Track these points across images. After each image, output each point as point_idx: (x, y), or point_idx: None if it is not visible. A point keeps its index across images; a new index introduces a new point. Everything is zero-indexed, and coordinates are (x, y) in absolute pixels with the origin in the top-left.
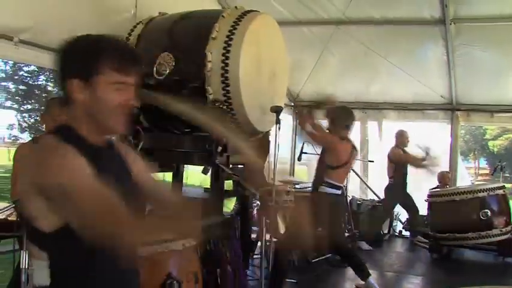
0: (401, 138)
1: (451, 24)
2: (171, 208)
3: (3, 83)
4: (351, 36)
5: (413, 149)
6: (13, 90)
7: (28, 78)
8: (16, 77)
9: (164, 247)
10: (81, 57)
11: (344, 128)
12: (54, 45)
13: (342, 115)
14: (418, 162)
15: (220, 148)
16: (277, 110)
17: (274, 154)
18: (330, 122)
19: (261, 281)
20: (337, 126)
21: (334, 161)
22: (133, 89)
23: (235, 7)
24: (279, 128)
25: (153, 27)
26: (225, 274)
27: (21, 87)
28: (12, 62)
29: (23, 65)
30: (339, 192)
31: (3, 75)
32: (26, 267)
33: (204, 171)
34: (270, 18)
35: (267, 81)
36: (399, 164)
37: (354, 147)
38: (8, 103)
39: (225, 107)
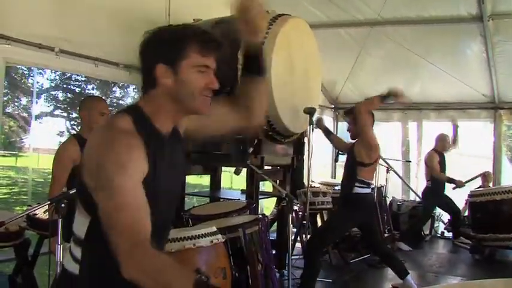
0: (442, 142)
1: (489, 20)
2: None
3: (52, 92)
4: (387, 37)
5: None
6: (61, 98)
7: (75, 87)
8: (64, 86)
9: (192, 243)
10: (168, 43)
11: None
12: (92, 54)
13: (372, 117)
14: (444, 179)
15: (251, 149)
16: (310, 112)
17: (309, 155)
18: (353, 123)
19: (288, 281)
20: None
21: (367, 157)
22: (213, 74)
23: (267, 11)
24: (313, 129)
25: None
26: (255, 272)
27: (69, 95)
28: (60, 72)
29: (70, 74)
30: (370, 190)
31: (53, 84)
32: (61, 260)
33: (236, 172)
34: (301, 21)
35: (300, 83)
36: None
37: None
38: (57, 111)
39: None
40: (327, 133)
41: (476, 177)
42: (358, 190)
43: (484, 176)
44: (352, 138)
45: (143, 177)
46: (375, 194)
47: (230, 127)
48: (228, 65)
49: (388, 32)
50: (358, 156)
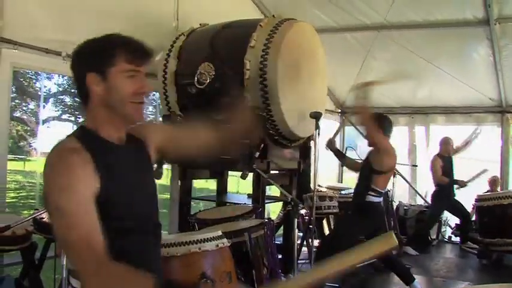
0: (446, 146)
1: (495, 24)
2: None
3: (60, 96)
4: (394, 41)
5: (460, 161)
6: (69, 103)
7: None
8: (72, 91)
9: (197, 247)
10: (96, 52)
11: (385, 135)
12: None
13: (383, 123)
14: (445, 183)
15: (258, 153)
16: (316, 116)
17: (315, 159)
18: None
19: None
20: (379, 133)
21: (385, 165)
22: (145, 78)
23: (273, 16)
24: (319, 134)
25: (194, 38)
26: (260, 276)
27: (76, 100)
28: (68, 77)
29: None
30: (381, 199)
31: (60, 89)
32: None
33: (243, 176)
34: (307, 26)
35: (306, 87)
36: (443, 169)
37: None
38: (65, 116)
39: (264, 113)
40: (339, 155)
41: (478, 174)
42: (371, 199)
43: (494, 180)
44: (369, 146)
45: (94, 190)
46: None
47: (205, 147)
48: (232, 70)
49: (394, 36)
50: (374, 163)
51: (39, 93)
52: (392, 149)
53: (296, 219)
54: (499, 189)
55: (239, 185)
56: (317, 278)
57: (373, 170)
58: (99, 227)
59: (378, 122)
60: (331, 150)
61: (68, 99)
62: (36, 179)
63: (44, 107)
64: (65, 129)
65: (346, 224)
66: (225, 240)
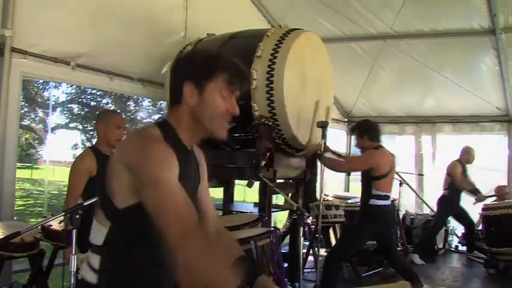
0: (467, 155)
1: (501, 33)
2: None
3: (68, 105)
4: (400, 51)
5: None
6: (77, 112)
7: (90, 101)
8: (80, 100)
9: None
10: (201, 64)
11: (372, 140)
12: (109, 68)
13: (369, 128)
14: (466, 189)
15: (264, 162)
16: (323, 125)
17: (321, 168)
18: (359, 138)
19: None
20: (364, 139)
21: (378, 171)
22: (235, 101)
23: (280, 26)
24: (325, 143)
25: (202, 48)
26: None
27: (84, 108)
28: (76, 86)
29: (86, 88)
30: (388, 202)
31: (68, 98)
32: (75, 270)
33: (249, 185)
34: (313, 36)
35: (313, 97)
36: (454, 178)
37: (392, 155)
38: (73, 124)
39: (271, 122)
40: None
41: (495, 195)
42: (374, 202)
43: (500, 189)
44: (362, 153)
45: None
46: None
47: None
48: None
49: (400, 45)
50: (370, 170)
51: (48, 101)
52: (380, 156)
53: (302, 228)
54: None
55: (245, 194)
56: None
57: (370, 176)
58: (192, 207)
59: (362, 129)
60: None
61: (75, 108)
62: (44, 186)
63: (51, 115)
64: (73, 137)
65: (353, 230)
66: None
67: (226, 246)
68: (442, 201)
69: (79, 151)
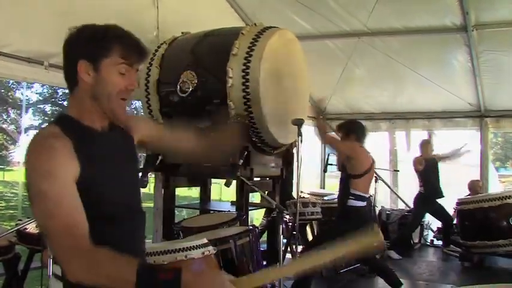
0: (426, 148)
1: (473, 30)
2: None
3: (40, 106)
4: (374, 48)
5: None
6: (49, 112)
7: (63, 101)
8: (52, 100)
9: (183, 255)
10: (93, 40)
11: (357, 141)
12: None
13: (356, 129)
14: (439, 157)
15: (241, 161)
16: (298, 123)
17: (298, 165)
18: (344, 138)
19: None
20: (351, 139)
21: (358, 168)
22: (134, 75)
23: (255, 24)
24: (301, 141)
25: (176, 47)
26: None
27: (56, 109)
28: (48, 86)
29: (58, 88)
30: (365, 203)
31: (41, 98)
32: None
33: (227, 184)
34: (289, 33)
35: (288, 95)
36: (426, 171)
37: (372, 159)
38: (45, 125)
39: (247, 121)
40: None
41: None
42: (352, 203)
43: (473, 184)
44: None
45: (75, 175)
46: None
47: (186, 153)
48: (215, 78)
49: (375, 42)
50: (348, 169)
51: (19, 102)
52: (362, 152)
53: (281, 226)
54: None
55: (222, 193)
56: (303, 268)
57: (349, 175)
58: (81, 211)
59: (350, 128)
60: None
61: (48, 108)
62: (17, 189)
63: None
64: None
65: (329, 229)
66: (210, 247)
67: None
68: (418, 198)
69: None
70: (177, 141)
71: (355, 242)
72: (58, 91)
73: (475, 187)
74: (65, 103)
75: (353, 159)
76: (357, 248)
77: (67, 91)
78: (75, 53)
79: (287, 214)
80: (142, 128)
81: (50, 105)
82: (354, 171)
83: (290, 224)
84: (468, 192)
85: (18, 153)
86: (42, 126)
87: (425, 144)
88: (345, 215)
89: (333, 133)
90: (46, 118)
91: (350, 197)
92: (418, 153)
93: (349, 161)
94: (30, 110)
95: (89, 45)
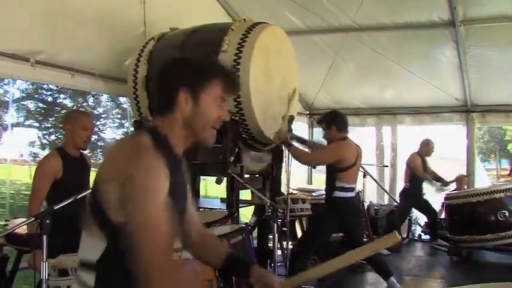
0: (426, 147)
1: (460, 26)
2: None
3: (23, 102)
4: (362, 43)
5: (434, 160)
6: (33, 108)
7: (48, 97)
8: (36, 96)
9: (177, 255)
10: (197, 72)
11: (339, 131)
12: (68, 65)
13: (336, 119)
14: (428, 179)
15: (232, 158)
16: (289, 120)
17: (288, 162)
18: (326, 129)
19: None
20: (332, 130)
21: (343, 163)
22: (226, 107)
23: (244, 19)
24: (291, 137)
25: (164, 43)
26: (240, 282)
27: (40, 105)
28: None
29: (42, 84)
30: (353, 194)
31: (24, 94)
32: (46, 278)
33: (218, 181)
34: (278, 29)
35: (278, 91)
36: (414, 171)
37: (357, 146)
38: (29, 121)
39: (237, 118)
40: (302, 141)
41: (454, 181)
42: (338, 194)
43: (460, 179)
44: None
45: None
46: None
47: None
48: None
49: (362, 38)
50: (335, 162)
51: (4, 98)
52: (345, 148)
53: (275, 224)
54: (465, 187)
55: (207, 189)
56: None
57: (335, 168)
58: (168, 232)
59: (330, 120)
60: (296, 140)
61: (31, 105)
62: (4, 188)
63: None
64: (29, 135)
65: (317, 222)
66: None
67: (211, 246)
68: (404, 193)
69: (36, 149)
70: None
71: (377, 244)
72: (43, 87)
73: (461, 181)
74: (49, 99)
75: (338, 160)
76: (378, 249)
77: (52, 86)
78: (178, 81)
79: (281, 212)
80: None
81: (33, 101)
82: (339, 165)
83: (280, 220)
84: (455, 186)
85: (3, 150)
86: (26, 122)
87: (427, 144)
88: (332, 207)
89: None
90: (30, 115)
91: (336, 189)
92: (406, 149)
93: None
94: (14, 107)
95: (193, 76)
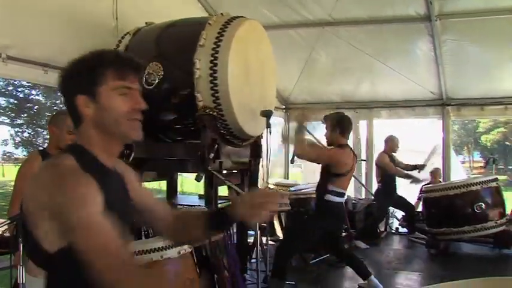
0: (391, 143)
1: (436, 20)
2: (172, 226)
3: None
4: (338, 37)
5: (403, 154)
6: (4, 105)
7: (19, 93)
8: (7, 92)
9: (159, 255)
10: (83, 72)
11: (343, 136)
12: (41, 60)
13: (342, 122)
14: (402, 175)
15: (212, 155)
16: (267, 114)
17: (267, 157)
18: (329, 129)
19: (258, 284)
20: (335, 133)
21: (339, 169)
22: (138, 94)
23: (221, 14)
24: (270, 132)
25: (140, 37)
26: (222, 279)
27: (11, 100)
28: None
29: (13, 80)
30: (343, 199)
31: None
32: (24, 282)
33: (197, 178)
34: (256, 24)
35: (256, 86)
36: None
37: (353, 152)
38: (0, 118)
39: (215, 113)
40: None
41: (431, 153)
42: (329, 198)
43: (435, 172)
44: (327, 145)
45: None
46: None
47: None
48: (182, 69)
49: (338, 32)
50: (331, 166)
51: None
52: (343, 154)
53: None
54: (441, 180)
55: (183, 185)
56: None
57: (330, 172)
58: (117, 234)
59: (337, 122)
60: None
61: (3, 101)
62: None
63: None
64: (1, 132)
65: (308, 224)
66: (186, 246)
67: (189, 219)
68: (378, 193)
69: (9, 148)
70: (152, 206)
71: None
72: (13, 83)
73: (435, 175)
74: (21, 95)
75: (333, 164)
76: None
77: (23, 83)
78: (70, 90)
79: None
80: (135, 187)
81: (4, 97)
82: (335, 171)
83: None
84: (430, 179)
85: None
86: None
87: (391, 140)
88: (323, 210)
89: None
90: (1, 111)
91: (329, 193)
92: (382, 143)
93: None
94: None
95: (81, 78)
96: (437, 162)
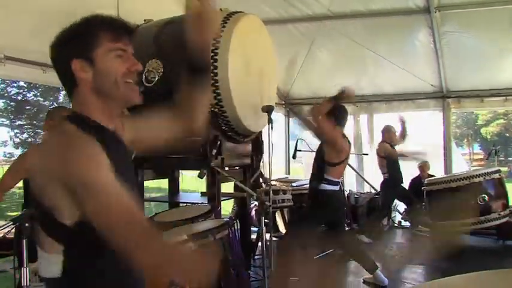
0: (388, 133)
1: (435, 12)
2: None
3: None
4: (337, 31)
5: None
6: (3, 107)
7: (18, 94)
8: (6, 94)
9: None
10: (78, 36)
11: (342, 126)
12: (39, 60)
13: (341, 113)
14: (408, 154)
15: (214, 151)
16: (268, 110)
17: (269, 153)
18: (329, 120)
19: (264, 281)
20: (331, 122)
21: (335, 157)
22: (132, 56)
23: (220, 9)
24: (272, 128)
25: (139, 35)
26: (227, 276)
27: (10, 103)
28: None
29: (11, 81)
30: (337, 188)
31: None
32: (27, 284)
33: (200, 175)
34: (255, 19)
35: (257, 81)
36: (389, 158)
37: (349, 143)
38: None
39: (216, 109)
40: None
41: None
42: (324, 187)
43: (421, 166)
44: (317, 138)
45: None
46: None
47: (171, 134)
48: (181, 66)
49: (337, 26)
50: (326, 155)
51: None
52: (342, 141)
53: (262, 217)
54: (429, 173)
55: (183, 182)
56: None
57: (325, 161)
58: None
59: (333, 113)
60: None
61: (1, 103)
62: None
63: None
64: (1, 134)
65: (305, 214)
66: (191, 244)
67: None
68: (385, 185)
69: (9, 149)
70: (157, 129)
71: None
72: (12, 85)
73: (424, 169)
74: (19, 97)
75: (334, 148)
76: None
77: (21, 84)
78: (64, 55)
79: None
80: (131, 129)
81: (3, 99)
82: (331, 159)
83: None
84: (418, 173)
85: None
86: None
87: (388, 130)
88: (318, 199)
89: None
90: (0, 113)
91: (323, 181)
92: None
93: (327, 148)
94: None
95: (76, 42)
96: (438, 155)
